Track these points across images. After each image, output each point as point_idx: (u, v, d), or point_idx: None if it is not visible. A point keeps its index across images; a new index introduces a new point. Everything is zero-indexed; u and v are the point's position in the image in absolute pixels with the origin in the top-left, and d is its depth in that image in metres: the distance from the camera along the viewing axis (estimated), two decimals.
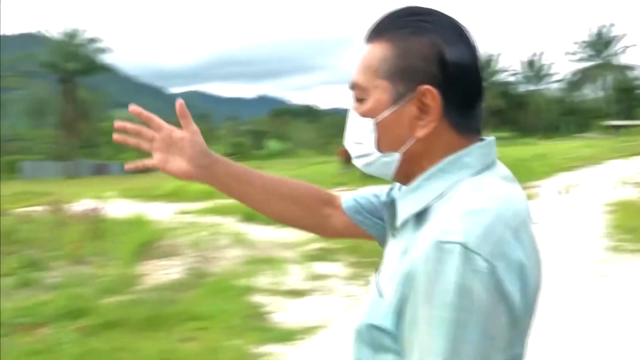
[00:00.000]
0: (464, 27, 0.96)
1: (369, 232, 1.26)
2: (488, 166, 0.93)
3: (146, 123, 1.19)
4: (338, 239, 1.65)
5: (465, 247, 0.77)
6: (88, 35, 57.36)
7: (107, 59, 59.24)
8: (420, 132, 0.92)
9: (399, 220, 0.96)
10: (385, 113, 0.94)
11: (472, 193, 0.86)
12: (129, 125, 1.19)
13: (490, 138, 0.98)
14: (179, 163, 1.18)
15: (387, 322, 0.88)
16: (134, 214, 12.91)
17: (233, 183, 1.22)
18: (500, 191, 0.88)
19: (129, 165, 1.25)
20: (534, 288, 0.85)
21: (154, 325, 5.33)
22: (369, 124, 0.96)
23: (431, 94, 0.90)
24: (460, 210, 0.82)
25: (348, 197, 1.28)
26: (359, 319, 0.97)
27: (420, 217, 0.91)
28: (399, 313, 0.85)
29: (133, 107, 1.17)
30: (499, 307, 0.77)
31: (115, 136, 1.20)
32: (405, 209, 0.95)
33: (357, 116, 0.98)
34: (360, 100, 0.98)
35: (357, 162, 1.02)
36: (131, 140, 1.20)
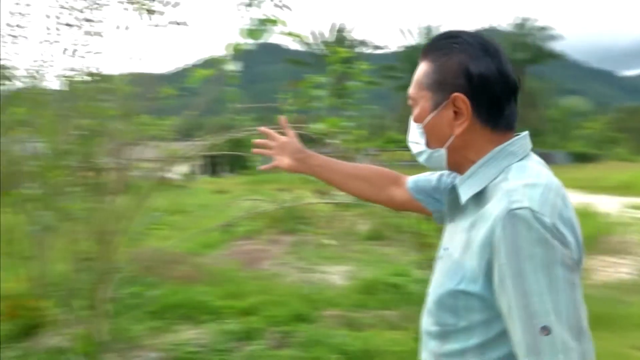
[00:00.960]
0: (490, 43, 1.18)
1: (428, 208, 1.53)
2: (527, 154, 1.18)
3: (268, 136, 1.71)
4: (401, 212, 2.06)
5: (532, 210, 1.00)
6: (538, 23, 57.71)
7: (556, 45, 58.38)
8: (457, 130, 1.17)
9: (463, 199, 1.19)
10: (429, 117, 1.21)
11: (523, 173, 1.11)
12: (258, 141, 1.70)
13: (525, 132, 1.21)
14: (285, 160, 1.64)
15: (476, 286, 1.08)
16: (580, 204, 12.50)
17: (321, 170, 1.63)
18: (542, 171, 1.13)
19: (261, 167, 1.75)
20: (581, 239, 1.06)
21: (601, 325, 5.10)
22: (419, 127, 1.24)
23: (461, 100, 1.15)
24: (519, 185, 1.06)
25: (411, 178, 1.56)
26: (436, 291, 1.19)
27: (479, 197, 1.15)
28: (487, 275, 1.05)
29: (261, 128, 1.75)
30: (566, 250, 1.00)
31: (254, 150, 1.72)
32: (467, 191, 1.18)
33: (412, 121, 1.26)
34: (413, 107, 1.26)
35: (418, 158, 1.29)
36: (260, 151, 1.71)
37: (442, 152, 1.22)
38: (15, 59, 4.29)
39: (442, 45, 1.20)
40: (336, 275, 7.79)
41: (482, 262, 1.06)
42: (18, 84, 4.62)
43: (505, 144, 1.17)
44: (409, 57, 54.82)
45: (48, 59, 4.33)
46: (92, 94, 4.02)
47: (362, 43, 56.14)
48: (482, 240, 1.06)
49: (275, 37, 2.04)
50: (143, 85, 3.75)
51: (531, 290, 0.98)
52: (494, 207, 1.06)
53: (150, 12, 3.05)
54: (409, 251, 8.16)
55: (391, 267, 7.69)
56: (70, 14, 3.57)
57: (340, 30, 54.67)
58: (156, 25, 3.05)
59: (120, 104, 4.15)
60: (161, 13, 3.09)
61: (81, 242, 4.35)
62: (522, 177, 1.10)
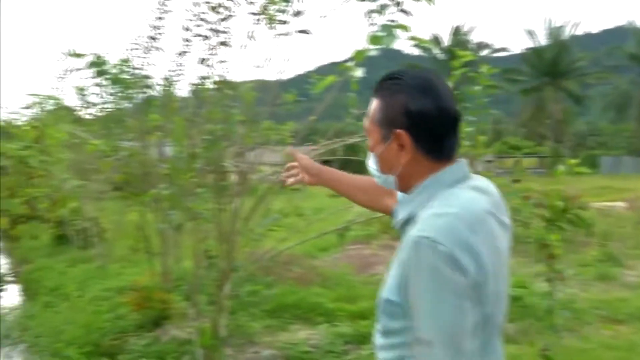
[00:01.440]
0: (430, 82, 1.30)
1: None
2: (459, 180, 1.32)
3: (293, 156, 1.94)
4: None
5: (431, 239, 1.16)
6: None
7: None
8: (402, 161, 1.32)
9: (397, 223, 1.38)
10: (379, 149, 1.36)
11: (442, 202, 1.26)
12: (288, 165, 1.96)
13: (462, 160, 1.35)
14: (306, 176, 1.89)
15: (396, 297, 1.26)
16: None
17: (333, 183, 1.86)
18: (461, 198, 1.27)
19: (288, 183, 1.97)
20: (489, 263, 1.21)
21: None
22: (374, 156, 1.41)
23: (402, 135, 1.29)
24: (430, 214, 1.24)
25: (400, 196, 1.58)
26: (380, 294, 1.35)
27: (413, 220, 1.29)
28: (404, 288, 1.23)
29: (287, 150, 2.07)
30: (458, 276, 1.15)
31: (284, 174, 1.98)
32: (398, 216, 1.37)
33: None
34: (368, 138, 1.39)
35: (378, 181, 1.48)
36: (288, 173, 1.97)
37: (392, 178, 1.40)
38: (151, 69, 4.62)
39: (388, 85, 1.35)
40: None
41: (399, 278, 1.26)
42: (152, 92, 4.97)
43: (437, 173, 1.32)
44: (533, 59, 52.39)
45: (180, 68, 4.64)
46: (219, 100, 4.23)
47: (483, 45, 54.49)
48: (400, 260, 1.27)
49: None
50: (266, 92, 3.89)
51: (422, 308, 1.19)
52: (410, 234, 1.24)
53: (279, 22, 3.16)
54: (530, 262, 7.79)
55: (510, 278, 7.37)
56: (199, 26, 3.78)
57: (460, 33, 53.44)
58: (282, 35, 3.16)
59: (245, 110, 4.34)
60: (286, 22, 3.20)
61: (206, 241, 4.58)
62: (439, 206, 1.25)
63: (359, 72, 1.87)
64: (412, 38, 1.92)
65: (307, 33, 3.03)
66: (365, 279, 7.39)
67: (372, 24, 1.87)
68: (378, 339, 1.39)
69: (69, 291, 7.85)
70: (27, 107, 7.43)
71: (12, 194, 3.90)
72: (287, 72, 3.76)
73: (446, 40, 52.92)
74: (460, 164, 1.35)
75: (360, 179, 1.86)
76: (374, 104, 1.38)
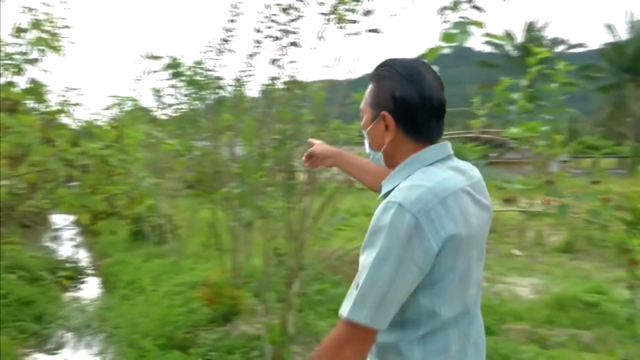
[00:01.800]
0: (417, 71, 1.46)
1: None
2: (439, 160, 1.46)
3: (310, 144, 2.12)
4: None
5: (400, 205, 1.31)
6: None
7: None
8: (386, 140, 1.49)
9: (380, 195, 1.50)
10: (369, 127, 1.53)
11: (419, 176, 1.41)
12: (307, 153, 2.09)
13: (445, 142, 1.50)
14: (321, 162, 2.06)
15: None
16: None
17: (345, 165, 2.01)
18: (438, 175, 1.40)
19: (306, 165, 2.11)
20: (451, 237, 1.32)
21: None
22: (365, 134, 1.56)
23: (388, 117, 1.46)
24: (406, 186, 1.37)
25: None
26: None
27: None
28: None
29: (309, 140, 2.17)
30: (415, 242, 1.29)
31: (304, 158, 2.11)
32: (384, 189, 1.49)
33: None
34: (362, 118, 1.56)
35: (371, 159, 1.62)
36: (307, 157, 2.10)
37: (379, 154, 1.55)
38: (223, 71, 4.74)
39: (380, 71, 1.52)
40: (523, 288, 7.38)
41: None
42: (224, 93, 5.09)
43: (418, 152, 1.46)
44: (612, 55, 49.97)
45: (250, 69, 4.72)
46: (288, 100, 4.28)
47: (558, 41, 52.44)
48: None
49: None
50: (335, 92, 3.90)
51: (372, 257, 1.31)
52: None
53: (349, 22, 3.16)
54: (608, 267, 7.45)
55: (586, 283, 7.07)
56: (270, 27, 3.84)
57: (534, 29, 51.66)
58: (351, 34, 3.16)
59: (314, 110, 4.37)
60: (356, 22, 3.19)
61: (275, 239, 4.65)
62: (413, 180, 1.38)
63: None
64: (486, 35, 1.87)
65: (378, 32, 3.01)
66: None
67: (445, 22, 1.84)
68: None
69: (144, 285, 8.17)
70: (108, 108, 7.81)
71: (93, 191, 4.11)
72: (356, 71, 3.75)
73: (519, 36, 51.32)
74: (443, 146, 1.49)
75: (368, 163, 1.98)
76: (370, 87, 1.55)
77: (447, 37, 1.81)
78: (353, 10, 3.26)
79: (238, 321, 5.98)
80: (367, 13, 3.17)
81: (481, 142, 4.56)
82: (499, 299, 6.29)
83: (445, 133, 1.50)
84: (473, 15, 1.84)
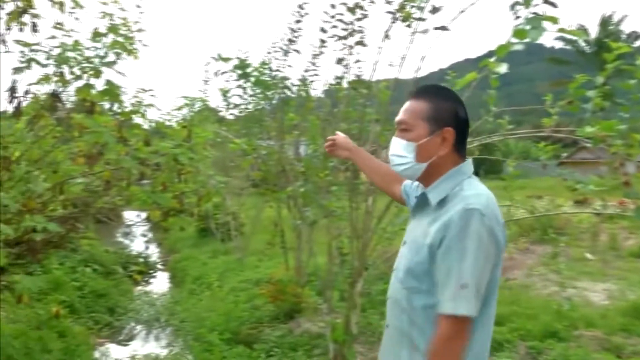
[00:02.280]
0: (462, 100, 1.77)
1: (406, 203, 2.02)
2: (471, 173, 1.73)
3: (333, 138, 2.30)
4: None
5: (479, 211, 1.55)
6: None
7: None
8: (441, 152, 1.70)
9: (433, 202, 1.69)
10: (423, 140, 1.71)
11: (472, 186, 1.66)
12: (328, 138, 2.30)
13: (468, 160, 1.76)
14: (343, 152, 2.24)
15: (423, 258, 1.64)
16: None
17: (359, 161, 2.23)
18: (481, 186, 1.69)
19: (327, 150, 2.30)
20: (505, 235, 1.64)
21: None
22: (411, 145, 1.73)
23: (450, 132, 1.70)
24: (472, 194, 1.61)
25: (405, 182, 2.04)
26: (406, 263, 1.72)
27: (441, 201, 1.67)
28: (431, 250, 1.60)
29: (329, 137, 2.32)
30: (492, 243, 1.56)
31: (325, 146, 2.31)
32: (435, 196, 1.70)
33: (400, 140, 1.76)
34: (404, 130, 1.76)
35: (396, 168, 1.80)
36: (328, 145, 2.29)
37: (424, 165, 1.72)
38: (288, 71, 4.79)
39: (437, 91, 1.76)
40: (595, 293, 7.09)
41: (436, 241, 1.59)
42: (289, 93, 5.15)
43: (460, 165, 1.72)
44: None
45: (315, 69, 4.75)
46: (354, 99, 4.28)
47: (636, 36, 49.92)
48: (440, 226, 1.59)
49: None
50: (400, 90, 3.87)
51: (467, 259, 1.53)
52: (454, 207, 1.60)
53: (416, 19, 3.13)
54: None
55: None
56: (335, 27, 3.85)
57: (610, 23, 49.41)
58: (419, 32, 3.12)
59: (379, 109, 4.35)
60: (423, 19, 3.15)
61: (339, 238, 4.66)
62: (473, 189, 1.64)
63: (503, 68, 1.79)
64: (560, 30, 1.81)
65: (446, 30, 2.96)
66: (502, 284, 7.08)
67: (516, 17, 1.79)
68: (407, 303, 1.71)
69: (210, 281, 8.39)
70: (178, 109, 8.05)
71: (164, 189, 4.26)
72: (422, 69, 3.70)
73: (594, 31, 49.18)
74: (470, 162, 1.77)
75: (379, 164, 2.26)
76: (418, 104, 1.74)
77: (519, 33, 1.75)
78: (421, 8, 3.22)
79: (301, 319, 6.04)
80: (435, 10, 3.12)
81: (552, 142, 4.41)
82: (570, 304, 6.06)
83: (514, 132, 1.54)
84: (546, 10, 1.79)
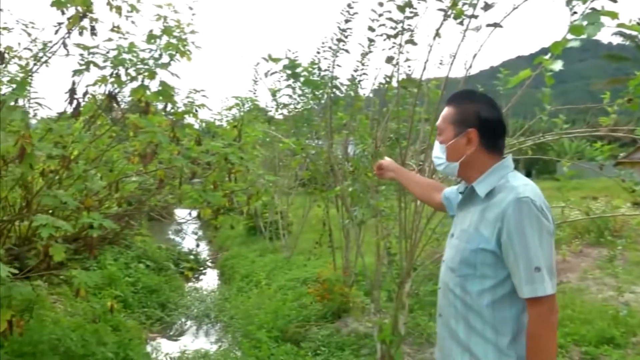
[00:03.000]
0: (494, 101, 1.95)
1: (445, 208, 2.27)
2: (512, 167, 1.90)
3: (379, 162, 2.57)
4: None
5: (530, 198, 1.71)
6: None
7: None
8: (468, 152, 1.89)
9: (482, 194, 1.85)
10: (451, 142, 1.92)
11: (517, 178, 1.83)
12: (377, 164, 2.57)
13: (509, 155, 1.94)
14: (387, 174, 2.50)
15: (489, 245, 1.77)
16: None
17: (403, 179, 2.48)
18: (525, 177, 1.87)
19: (377, 175, 2.59)
20: (553, 218, 1.78)
21: None
22: (443, 147, 1.95)
23: (474, 133, 1.88)
24: (520, 184, 1.78)
25: (445, 189, 2.29)
26: (459, 253, 1.88)
27: (489, 193, 1.84)
28: (497, 238, 1.75)
29: (376, 164, 2.59)
30: (546, 227, 1.71)
31: (375, 170, 2.58)
32: (483, 189, 1.85)
33: (436, 143, 2.00)
34: (439, 134, 1.99)
35: (438, 168, 2.04)
36: (377, 169, 2.56)
37: (456, 164, 1.92)
38: (337, 70, 4.79)
39: (463, 95, 1.98)
40: None
41: (494, 230, 1.75)
42: (338, 93, 5.15)
43: (502, 161, 1.89)
44: None
45: (364, 68, 4.74)
46: (403, 99, 4.24)
47: None
48: (495, 217, 1.76)
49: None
50: (451, 89, 3.81)
51: (530, 245, 1.68)
52: (505, 197, 1.76)
53: (469, 17, 3.08)
54: None
55: None
56: (383, 25, 3.82)
57: None
58: (471, 30, 3.07)
59: (429, 108, 4.30)
60: (476, 17, 3.10)
61: (387, 238, 4.64)
62: (518, 180, 1.81)
63: (558, 65, 1.74)
64: (620, 25, 1.75)
65: (499, 27, 2.90)
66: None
67: (573, 13, 1.74)
68: (461, 290, 1.86)
69: (258, 279, 8.49)
70: (228, 109, 8.18)
71: (215, 188, 4.34)
72: (473, 68, 3.64)
73: None
74: (510, 157, 1.93)
75: (419, 178, 2.61)
76: (449, 109, 1.96)
77: (575, 29, 1.71)
78: (473, 5, 3.17)
79: (348, 318, 6.04)
80: (488, 7, 3.06)
81: (609, 141, 4.27)
82: (627, 309, 5.85)
83: (568, 132, 1.52)
84: (605, 4, 1.73)
